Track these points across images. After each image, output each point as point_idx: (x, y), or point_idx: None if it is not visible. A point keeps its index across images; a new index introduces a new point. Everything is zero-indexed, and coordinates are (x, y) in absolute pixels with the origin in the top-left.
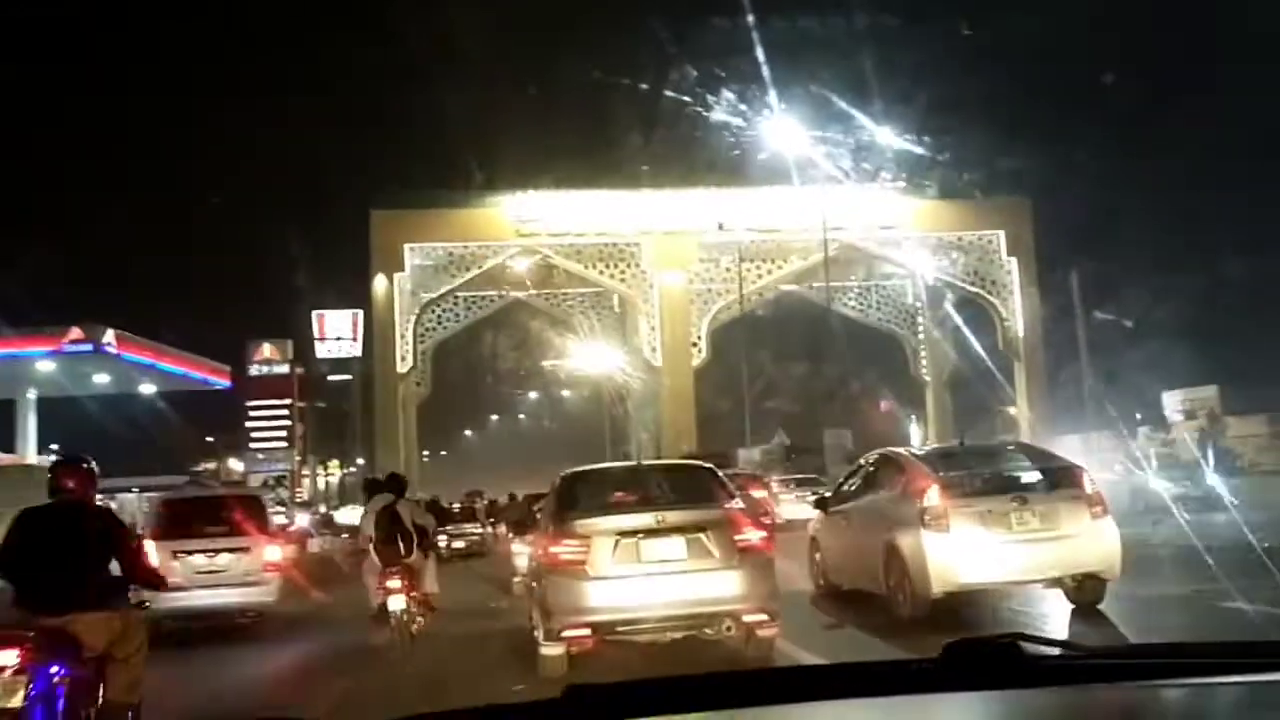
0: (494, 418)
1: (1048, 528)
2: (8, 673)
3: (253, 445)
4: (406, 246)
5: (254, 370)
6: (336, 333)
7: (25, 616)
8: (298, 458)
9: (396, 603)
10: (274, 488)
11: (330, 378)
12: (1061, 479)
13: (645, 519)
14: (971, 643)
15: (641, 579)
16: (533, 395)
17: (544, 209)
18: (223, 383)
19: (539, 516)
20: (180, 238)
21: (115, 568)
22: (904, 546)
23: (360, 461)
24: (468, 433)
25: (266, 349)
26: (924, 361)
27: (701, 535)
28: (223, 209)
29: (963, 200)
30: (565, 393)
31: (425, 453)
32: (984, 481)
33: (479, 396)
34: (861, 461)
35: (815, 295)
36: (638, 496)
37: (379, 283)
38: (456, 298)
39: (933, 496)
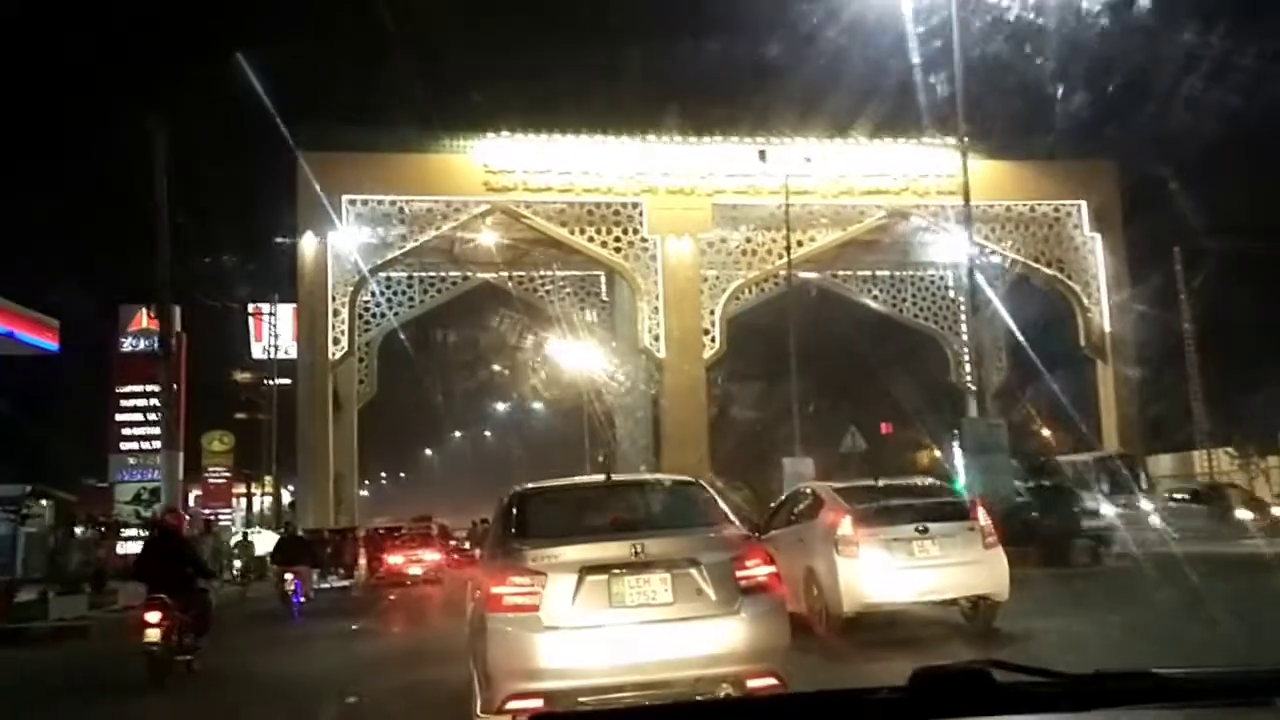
0: (457, 434)
1: (945, 555)
2: (291, 575)
3: (123, 447)
4: (345, 199)
5: (127, 345)
6: (275, 331)
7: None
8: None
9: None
10: (149, 504)
11: (266, 382)
12: (958, 512)
13: (618, 548)
14: (941, 670)
15: (613, 630)
16: (502, 407)
17: (521, 156)
18: (48, 344)
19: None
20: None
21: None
22: (820, 570)
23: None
24: (428, 451)
25: (145, 317)
26: (968, 366)
27: (693, 570)
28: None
29: (1033, 162)
30: (540, 404)
31: (383, 475)
32: (890, 513)
33: (440, 407)
34: (791, 493)
35: (838, 285)
36: (609, 520)
37: (307, 243)
38: (411, 279)
39: (845, 526)
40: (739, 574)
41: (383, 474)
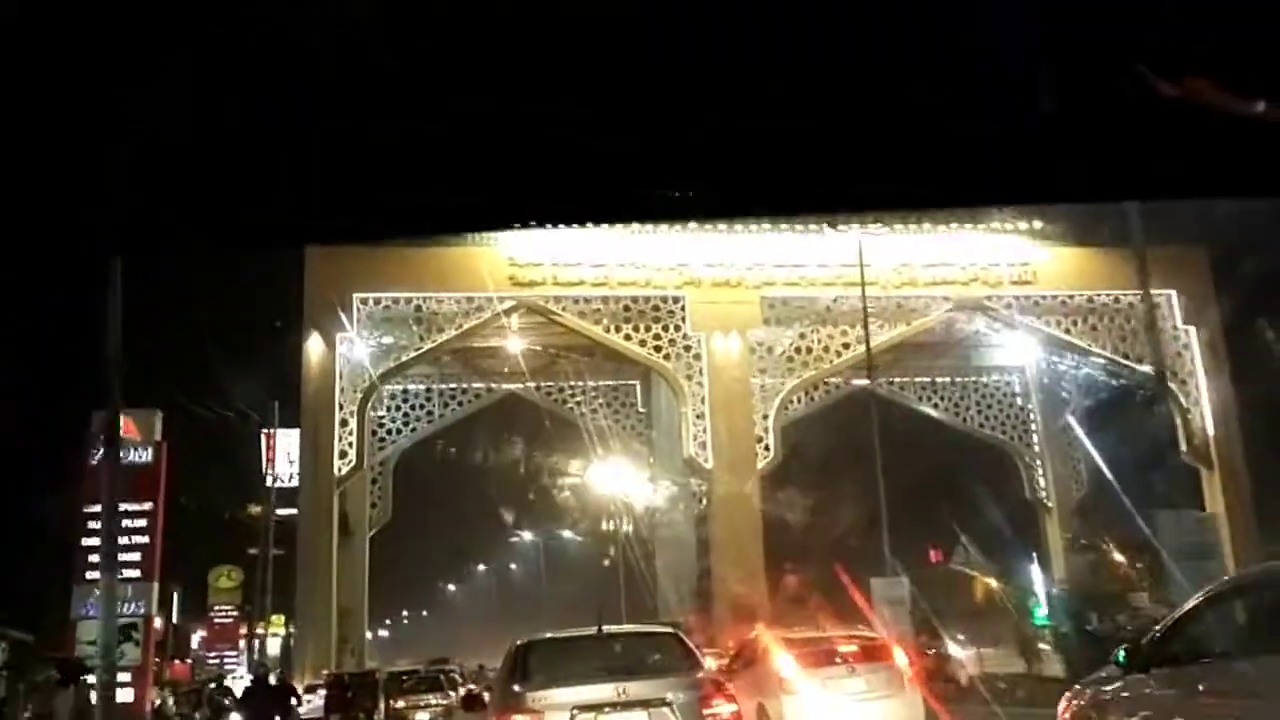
0: (481, 567)
1: (871, 690)
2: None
3: (90, 576)
4: (356, 297)
5: (98, 457)
6: (286, 454)
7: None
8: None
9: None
10: (119, 642)
11: (279, 512)
12: (879, 654)
13: (605, 691)
14: None
15: None
16: (529, 536)
17: (550, 247)
18: None
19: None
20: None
21: None
22: (769, 705)
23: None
24: (450, 587)
25: (121, 424)
26: (1042, 480)
27: (667, 709)
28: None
29: (1114, 249)
30: (570, 532)
31: (405, 613)
32: (825, 656)
33: (462, 534)
34: (749, 639)
35: (894, 393)
36: (598, 666)
37: (313, 346)
38: (429, 391)
39: (788, 669)
40: (705, 711)
41: (404, 612)
